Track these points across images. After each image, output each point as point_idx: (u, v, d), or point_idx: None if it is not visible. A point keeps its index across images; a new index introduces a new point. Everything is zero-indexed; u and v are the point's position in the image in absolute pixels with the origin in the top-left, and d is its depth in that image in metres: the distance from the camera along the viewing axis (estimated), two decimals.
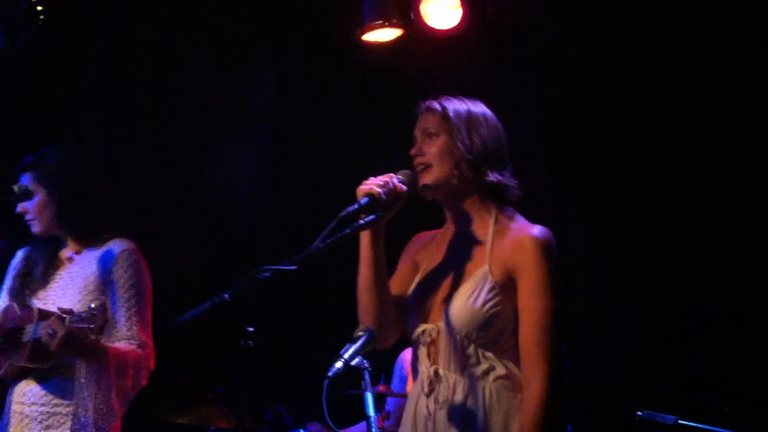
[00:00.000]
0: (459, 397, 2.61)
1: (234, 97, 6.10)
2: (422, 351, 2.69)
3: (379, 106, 5.65)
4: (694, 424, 2.60)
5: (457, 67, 5.12)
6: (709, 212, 5.07)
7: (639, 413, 2.68)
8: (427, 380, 2.65)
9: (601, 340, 5.29)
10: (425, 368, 2.67)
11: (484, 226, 2.72)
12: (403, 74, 5.16)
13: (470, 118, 2.73)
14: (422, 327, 2.68)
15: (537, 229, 2.67)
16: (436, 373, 2.64)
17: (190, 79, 5.84)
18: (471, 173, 2.70)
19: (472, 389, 2.60)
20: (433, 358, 2.66)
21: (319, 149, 6.02)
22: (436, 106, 2.75)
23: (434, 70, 4.98)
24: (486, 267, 2.64)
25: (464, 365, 2.62)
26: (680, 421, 2.60)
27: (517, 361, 2.63)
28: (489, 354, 2.62)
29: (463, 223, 2.76)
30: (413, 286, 2.75)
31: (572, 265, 5.38)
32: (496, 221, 2.72)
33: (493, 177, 2.71)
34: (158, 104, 5.78)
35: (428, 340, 2.66)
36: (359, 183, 2.65)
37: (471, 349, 2.62)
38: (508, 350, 2.63)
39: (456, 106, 2.75)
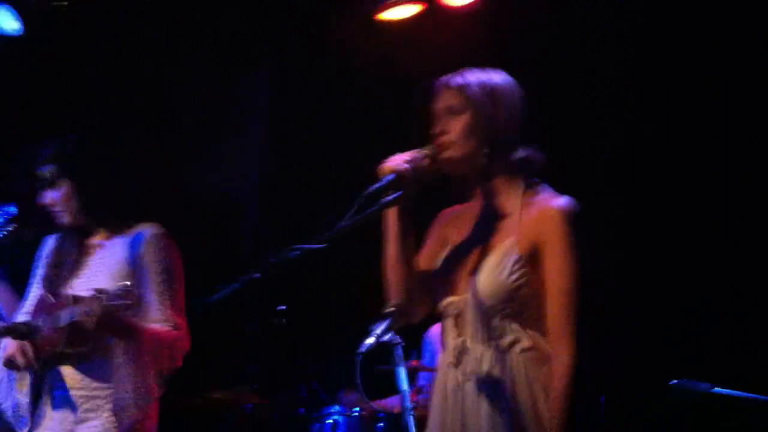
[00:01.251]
0: (486, 368, 2.60)
1: (235, 96, 6.11)
2: (449, 323, 2.70)
3: (381, 105, 5.64)
4: (729, 392, 2.59)
5: (469, 51, 5.11)
6: (708, 208, 5.06)
7: (673, 382, 2.67)
8: (454, 351, 2.66)
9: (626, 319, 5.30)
10: (452, 340, 2.68)
11: (512, 199, 2.70)
12: (405, 74, 5.16)
13: (494, 91, 2.67)
14: (449, 299, 2.68)
15: (563, 200, 2.64)
16: (463, 344, 2.65)
17: (192, 79, 5.86)
18: (497, 150, 2.68)
19: (498, 360, 2.60)
20: (459, 330, 2.67)
21: (321, 148, 6.03)
22: (459, 80, 2.69)
23: (438, 61, 4.99)
24: (513, 239, 2.63)
25: (490, 336, 2.62)
26: (714, 389, 2.59)
27: (543, 332, 2.62)
28: (515, 325, 2.61)
29: (491, 196, 2.74)
30: (441, 259, 2.74)
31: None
32: (524, 193, 2.70)
33: (521, 153, 2.69)
34: (160, 103, 5.80)
35: (455, 312, 2.66)
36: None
37: (497, 321, 2.61)
38: (535, 321, 2.62)
39: (477, 78, 2.69)
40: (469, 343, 2.64)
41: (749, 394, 2.62)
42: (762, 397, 2.63)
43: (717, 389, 2.60)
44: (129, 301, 3.14)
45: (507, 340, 2.61)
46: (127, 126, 5.63)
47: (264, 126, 6.36)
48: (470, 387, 2.62)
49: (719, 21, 4.95)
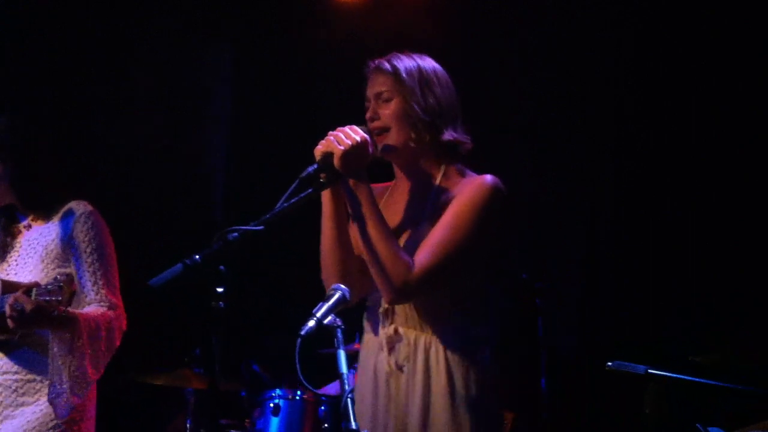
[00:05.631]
0: (420, 353, 2.65)
1: (193, 68, 6.06)
2: (380, 309, 2.71)
3: (338, 75, 5.63)
4: (664, 373, 2.64)
5: (424, 32, 5.13)
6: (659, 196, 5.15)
7: (609, 364, 2.72)
8: (386, 338, 2.67)
9: (573, 300, 5.36)
10: (383, 327, 2.68)
11: (434, 182, 2.74)
12: (363, 43, 5.16)
13: (422, 76, 2.73)
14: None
15: (488, 176, 2.69)
16: (396, 331, 2.66)
17: (149, 52, 5.79)
18: (428, 134, 2.71)
19: (431, 345, 2.64)
20: (391, 317, 2.68)
21: (279, 119, 6.00)
22: (387, 66, 2.74)
23: (395, 38, 5.00)
24: (427, 223, 2.67)
25: (421, 322, 2.65)
26: (650, 371, 2.64)
27: (472, 316, 2.67)
28: (444, 310, 2.65)
29: (414, 180, 2.78)
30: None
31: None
32: (446, 176, 2.73)
33: (448, 135, 2.73)
34: (119, 80, 5.72)
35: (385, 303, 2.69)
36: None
37: (427, 307, 2.64)
38: (462, 303, 2.67)
39: (407, 64, 2.74)
40: (401, 330, 2.66)
41: (685, 376, 2.68)
42: (697, 379, 2.69)
43: (653, 371, 2.65)
44: (60, 297, 3.09)
45: (438, 324, 2.65)
46: (87, 101, 5.56)
47: (222, 97, 6.30)
48: (406, 372, 2.66)
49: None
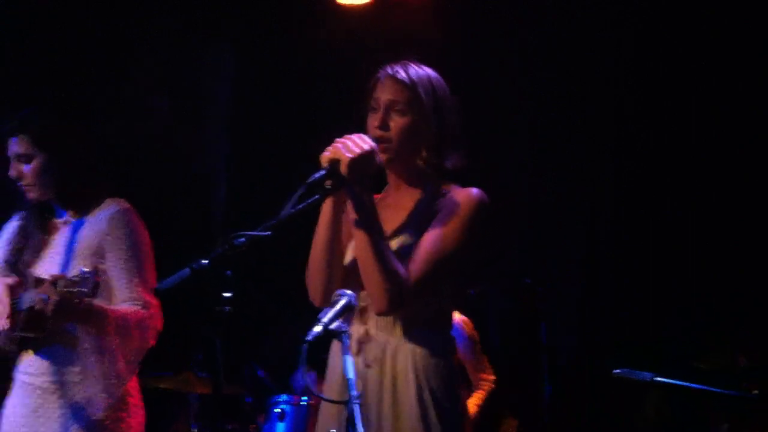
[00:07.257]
0: (388, 357, 2.65)
1: (193, 68, 6.06)
2: (355, 313, 2.71)
3: (338, 75, 5.63)
4: (670, 381, 2.64)
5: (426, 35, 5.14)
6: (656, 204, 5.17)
7: (615, 371, 2.71)
8: (356, 339, 2.68)
9: (574, 306, 5.37)
10: (355, 328, 2.70)
11: (420, 196, 2.74)
12: (363, 43, 5.16)
13: (437, 98, 2.70)
14: (356, 293, 2.64)
15: (473, 189, 2.69)
16: (366, 333, 2.67)
17: (150, 52, 5.79)
18: (435, 159, 2.71)
19: (400, 350, 2.65)
20: (363, 320, 2.70)
21: (279, 119, 6.00)
22: (404, 77, 2.69)
23: (395, 38, 5.01)
24: (412, 233, 2.67)
25: (393, 327, 2.66)
26: (656, 378, 2.64)
27: (442, 326, 2.70)
28: (417, 317, 2.66)
29: (404, 189, 2.77)
30: (349, 250, 2.75)
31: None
32: (435, 189, 2.73)
33: (450, 163, 2.72)
34: (122, 80, 5.71)
35: (362, 305, 2.68)
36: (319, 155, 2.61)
37: (401, 313, 2.65)
38: (437, 313, 2.69)
39: (423, 81, 2.69)
40: (372, 332, 2.67)
41: (690, 383, 2.68)
42: (703, 387, 2.69)
43: (659, 378, 2.64)
44: (86, 289, 3.03)
45: (409, 331, 2.65)
46: (88, 101, 5.56)
47: (222, 100, 6.30)
48: (372, 374, 2.66)
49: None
